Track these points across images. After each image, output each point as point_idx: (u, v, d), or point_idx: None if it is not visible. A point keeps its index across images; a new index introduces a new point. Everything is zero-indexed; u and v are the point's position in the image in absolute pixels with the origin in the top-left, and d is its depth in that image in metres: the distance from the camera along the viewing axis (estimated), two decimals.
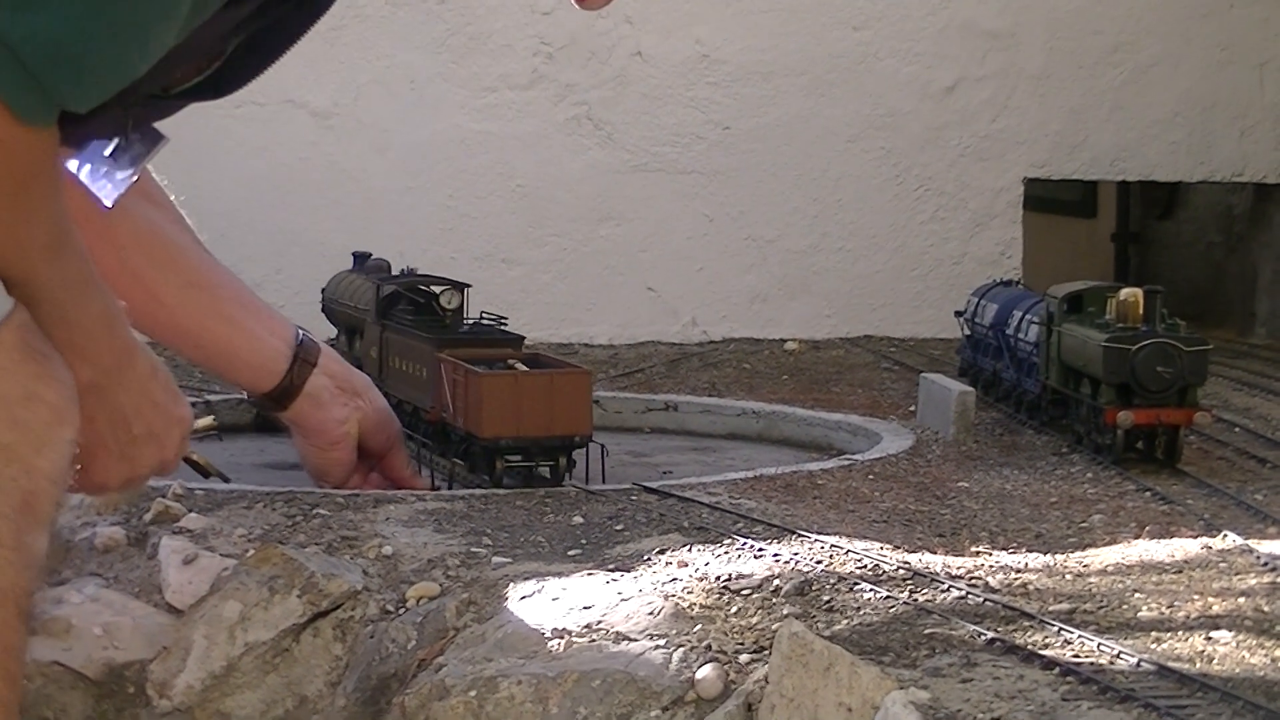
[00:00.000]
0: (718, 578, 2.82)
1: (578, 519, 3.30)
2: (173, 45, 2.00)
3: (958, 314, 4.88)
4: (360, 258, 4.46)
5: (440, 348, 3.78)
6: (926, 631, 2.55)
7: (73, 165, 2.21)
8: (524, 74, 6.05)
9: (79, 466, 2.10)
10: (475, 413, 3.57)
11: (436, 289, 4.06)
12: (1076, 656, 2.41)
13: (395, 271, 4.34)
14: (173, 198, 3.45)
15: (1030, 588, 2.81)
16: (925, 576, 2.84)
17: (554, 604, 2.78)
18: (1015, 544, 3.17)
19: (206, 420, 3.37)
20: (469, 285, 4.06)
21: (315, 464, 3.62)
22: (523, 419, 3.56)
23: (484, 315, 4.04)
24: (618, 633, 2.64)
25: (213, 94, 2.27)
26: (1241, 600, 2.71)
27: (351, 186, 5.96)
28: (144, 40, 1.96)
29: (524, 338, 3.94)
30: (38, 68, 1.88)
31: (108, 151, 2.29)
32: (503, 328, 3.94)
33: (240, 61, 2.24)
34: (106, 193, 2.29)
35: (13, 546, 1.99)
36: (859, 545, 3.04)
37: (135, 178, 2.32)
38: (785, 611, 2.65)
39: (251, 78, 2.30)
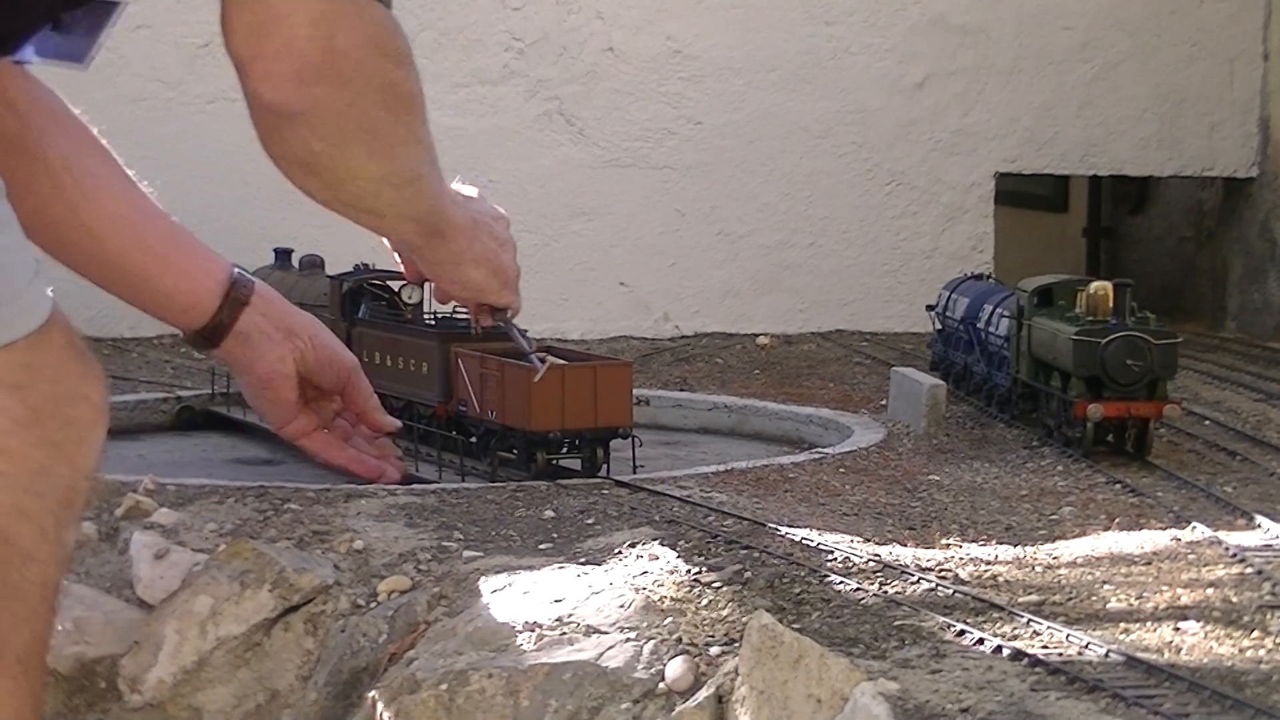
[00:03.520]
0: (688, 571, 2.82)
1: (549, 513, 3.30)
2: None
3: (929, 308, 4.89)
4: (282, 254, 4.44)
5: (448, 342, 3.79)
6: (896, 623, 2.56)
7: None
8: (495, 69, 6.04)
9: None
10: (520, 406, 3.58)
11: (394, 284, 4.06)
12: (1045, 647, 2.42)
13: (329, 268, 4.31)
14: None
15: (1000, 580, 2.82)
16: (895, 569, 2.85)
17: (525, 598, 2.78)
18: (985, 536, 3.18)
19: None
20: (430, 280, 4.05)
21: (255, 404, 3.59)
22: (568, 411, 3.58)
23: (457, 311, 4.03)
24: (588, 626, 2.64)
25: None
26: (1209, 591, 2.72)
27: None
28: None
29: (525, 330, 3.96)
30: None
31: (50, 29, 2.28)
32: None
33: None
34: (76, 56, 2.29)
35: (54, 541, 2.02)
36: (829, 538, 3.05)
37: (103, 40, 2.31)
38: (755, 604, 2.65)
39: None
